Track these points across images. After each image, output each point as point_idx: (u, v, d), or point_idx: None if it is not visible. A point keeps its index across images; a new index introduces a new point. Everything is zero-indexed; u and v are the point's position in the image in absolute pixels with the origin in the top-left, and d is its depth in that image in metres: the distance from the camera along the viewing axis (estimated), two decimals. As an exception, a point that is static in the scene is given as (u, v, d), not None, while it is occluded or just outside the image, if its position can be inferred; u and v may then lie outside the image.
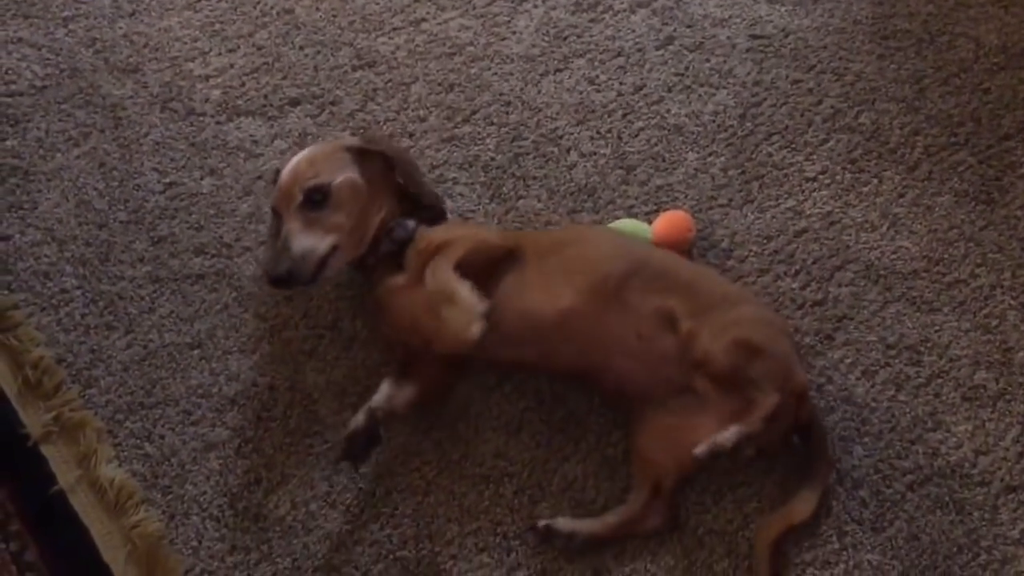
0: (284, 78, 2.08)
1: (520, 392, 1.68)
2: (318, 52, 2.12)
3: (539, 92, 2.06)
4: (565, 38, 2.15)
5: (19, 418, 1.67)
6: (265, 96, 2.05)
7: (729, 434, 1.42)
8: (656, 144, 1.98)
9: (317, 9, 2.19)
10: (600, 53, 2.12)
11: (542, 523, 1.53)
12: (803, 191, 1.92)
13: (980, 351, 1.73)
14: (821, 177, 1.94)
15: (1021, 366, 1.71)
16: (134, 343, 1.74)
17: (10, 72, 2.07)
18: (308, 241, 1.58)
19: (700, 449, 1.42)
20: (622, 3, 2.19)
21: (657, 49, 2.13)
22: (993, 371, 1.71)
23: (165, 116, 2.02)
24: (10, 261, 1.82)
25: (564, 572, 1.54)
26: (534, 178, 1.94)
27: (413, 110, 2.03)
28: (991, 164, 1.95)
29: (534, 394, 1.68)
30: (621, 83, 2.07)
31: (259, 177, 1.92)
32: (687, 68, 2.09)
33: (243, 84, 2.07)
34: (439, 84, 2.07)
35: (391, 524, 1.58)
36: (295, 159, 1.67)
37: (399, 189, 1.68)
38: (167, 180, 1.93)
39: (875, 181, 1.93)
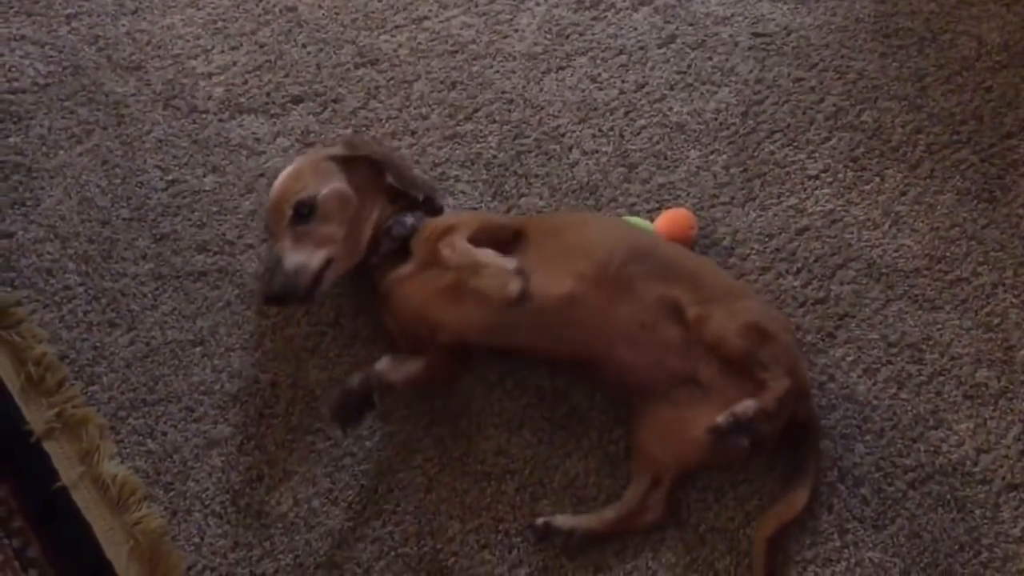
0: (286, 76, 2.08)
1: (522, 389, 1.69)
2: (320, 50, 2.12)
3: (541, 90, 2.06)
4: (567, 36, 2.15)
5: (22, 414, 1.67)
6: (267, 94, 2.05)
7: (747, 405, 1.40)
8: (658, 142, 1.98)
9: (319, 7, 2.19)
10: (602, 51, 2.12)
11: (541, 520, 1.53)
12: (805, 189, 1.92)
13: (982, 349, 1.73)
14: (823, 175, 1.94)
15: (1022, 364, 1.71)
16: (136, 340, 1.75)
17: (13, 69, 2.07)
18: (300, 257, 1.58)
19: (721, 418, 1.39)
20: (624, 1, 2.19)
21: (659, 47, 2.13)
22: (995, 369, 1.71)
23: (168, 113, 2.02)
24: (13, 258, 1.82)
25: (566, 569, 1.54)
26: (536, 176, 1.94)
27: (415, 108, 2.03)
28: (993, 162, 1.95)
29: (536, 391, 1.68)
30: (623, 81, 2.07)
31: (261, 175, 1.93)
32: (689, 66, 2.09)
33: (245, 82, 2.07)
34: (441, 82, 2.07)
35: (393, 521, 1.58)
36: (281, 175, 1.67)
37: (392, 188, 1.67)
38: (169, 177, 1.93)
39: (877, 179, 1.93)
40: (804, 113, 2.02)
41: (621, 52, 2.12)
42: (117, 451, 1.64)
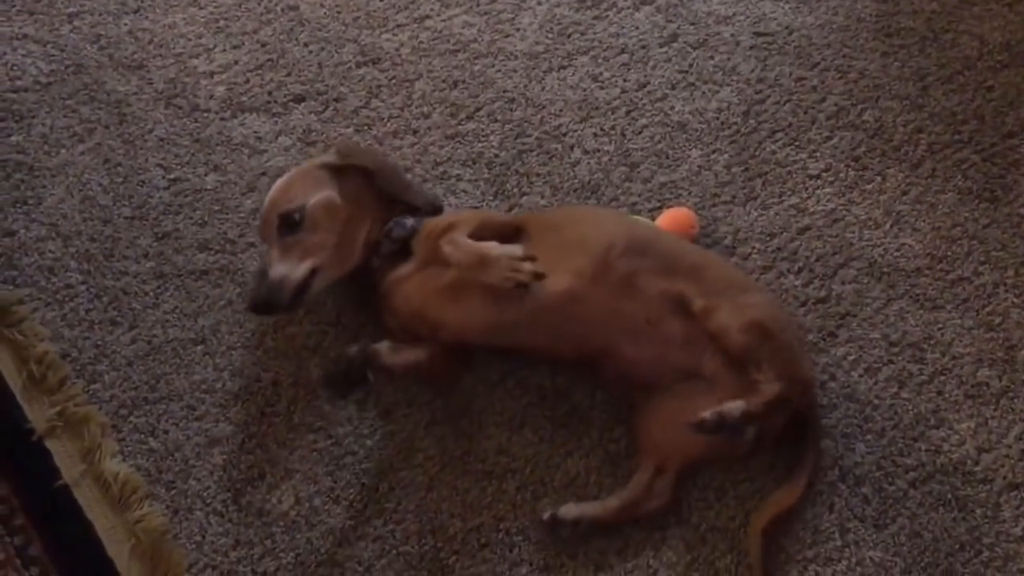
0: (288, 75, 2.08)
1: (523, 388, 1.69)
2: (322, 49, 2.13)
3: (543, 89, 2.06)
4: (569, 35, 2.15)
5: (23, 413, 1.67)
6: (269, 93, 2.05)
7: (735, 406, 1.42)
8: (660, 141, 1.98)
9: (321, 6, 2.20)
10: (604, 50, 2.12)
11: (547, 514, 1.53)
12: (806, 188, 1.92)
13: (983, 349, 1.73)
14: (824, 174, 1.94)
15: (1024, 364, 1.71)
16: (138, 338, 1.75)
17: (15, 68, 2.07)
18: (284, 268, 1.59)
19: (708, 414, 1.41)
20: (626, 0, 2.19)
21: (661, 46, 2.13)
22: (996, 369, 1.71)
23: (169, 112, 2.02)
24: (15, 256, 1.82)
25: (567, 568, 1.54)
26: (538, 175, 1.94)
27: (417, 107, 2.04)
28: (995, 162, 1.95)
29: (537, 390, 1.68)
30: (625, 80, 2.07)
31: (263, 173, 1.93)
32: (691, 65, 2.10)
33: (247, 81, 2.07)
34: (443, 81, 2.07)
35: (394, 520, 1.58)
36: (274, 186, 1.68)
37: (386, 194, 1.68)
38: (171, 176, 1.94)
39: (878, 179, 1.93)
40: (806, 112, 2.02)
41: (623, 51, 2.12)
42: (119, 449, 1.64)
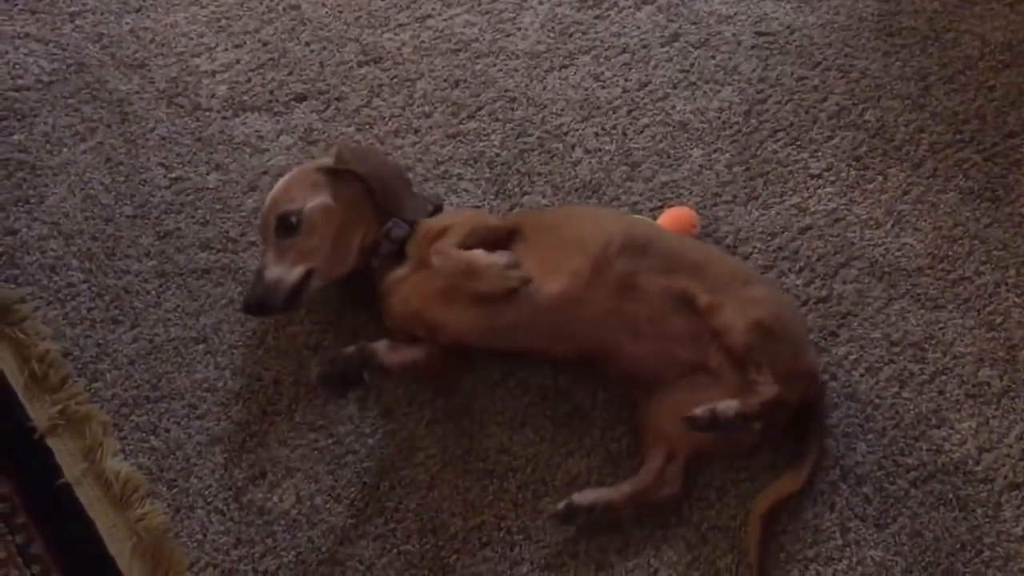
0: (290, 74, 2.09)
1: (524, 387, 1.69)
2: (324, 48, 2.13)
3: (544, 88, 2.06)
4: (570, 35, 2.15)
5: (25, 411, 1.67)
6: (271, 92, 2.06)
7: (728, 406, 1.43)
8: (661, 141, 1.98)
9: (323, 5, 2.20)
10: (605, 50, 2.12)
11: (561, 504, 1.51)
12: (808, 188, 1.92)
13: (984, 348, 1.73)
14: (826, 174, 1.94)
15: (1025, 363, 1.71)
16: (140, 337, 1.75)
17: (17, 67, 2.07)
18: (278, 271, 1.60)
19: (700, 410, 1.42)
20: (627, 0, 2.19)
21: (662, 46, 2.13)
22: (997, 368, 1.71)
23: (171, 111, 2.03)
24: (17, 255, 1.82)
25: (567, 567, 1.54)
26: (539, 174, 1.94)
27: (418, 106, 2.04)
28: (996, 161, 1.95)
29: (538, 389, 1.69)
30: (626, 80, 2.07)
31: (264, 173, 1.93)
32: (692, 65, 2.10)
33: (249, 80, 2.07)
34: (444, 80, 2.08)
35: (395, 518, 1.59)
36: (276, 185, 1.69)
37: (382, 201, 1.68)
38: (173, 175, 1.94)
39: (880, 178, 1.93)
40: (807, 112, 2.02)
41: (624, 51, 2.12)
42: (120, 448, 1.64)
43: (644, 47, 2.12)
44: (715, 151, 1.97)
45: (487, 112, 2.03)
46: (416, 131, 2.00)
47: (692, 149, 1.97)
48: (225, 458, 1.64)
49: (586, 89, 2.06)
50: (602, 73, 2.09)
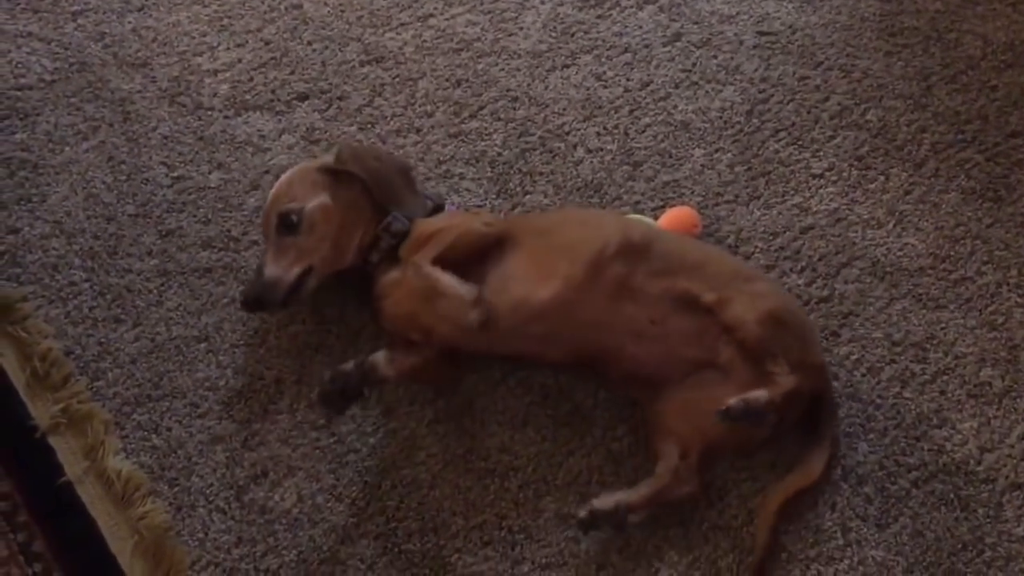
0: (292, 73, 2.09)
1: (525, 386, 1.69)
2: (326, 47, 2.13)
3: (546, 88, 2.06)
4: (572, 34, 2.15)
5: (27, 410, 1.67)
6: (273, 91, 2.06)
7: (759, 394, 1.45)
8: (663, 140, 1.98)
9: (325, 4, 2.20)
10: (607, 49, 2.12)
11: (583, 512, 1.50)
12: (809, 188, 1.92)
13: (986, 348, 1.73)
14: (827, 174, 1.94)
15: (1027, 363, 1.71)
16: (142, 336, 1.75)
17: (19, 66, 2.08)
18: (277, 269, 1.63)
19: (734, 400, 1.43)
20: (629, 0, 2.20)
21: (664, 45, 2.13)
22: (999, 368, 1.71)
23: (173, 110, 2.03)
24: (19, 254, 1.83)
25: (568, 566, 1.54)
26: (540, 174, 1.94)
27: (420, 105, 2.04)
28: (998, 161, 1.95)
29: (539, 388, 1.69)
30: (628, 79, 2.07)
31: (266, 172, 1.93)
32: (694, 64, 2.10)
33: (251, 79, 2.08)
34: (446, 80, 2.08)
35: (396, 517, 1.59)
36: (278, 181, 1.70)
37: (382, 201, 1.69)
38: (175, 174, 1.94)
39: (882, 178, 1.93)
40: (809, 112, 2.02)
41: (626, 50, 2.12)
42: (122, 446, 1.65)
43: (646, 47, 2.12)
44: (717, 151, 1.97)
45: (489, 111, 2.03)
46: (418, 130, 2.00)
47: (694, 149, 1.97)
48: (226, 457, 1.64)
49: (588, 89, 2.06)
50: (604, 73, 2.09)
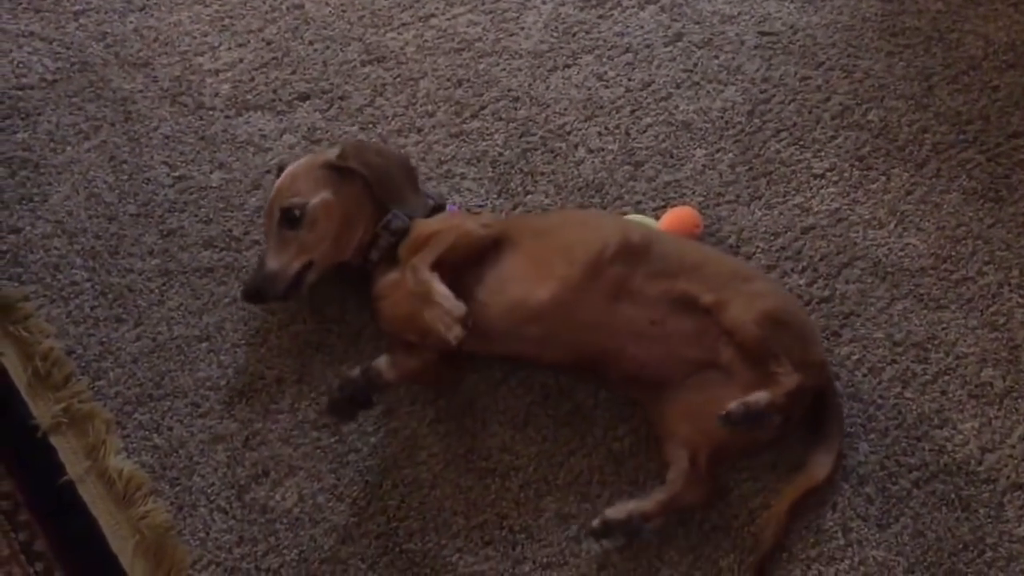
0: (293, 73, 2.09)
1: (526, 386, 1.69)
2: (327, 47, 2.13)
3: (547, 88, 2.06)
4: (574, 34, 2.15)
5: (29, 409, 1.67)
6: (274, 91, 2.06)
7: (760, 396, 1.44)
8: (664, 140, 1.98)
9: (326, 4, 2.20)
10: (608, 49, 2.12)
11: (596, 522, 1.51)
12: (811, 188, 1.92)
13: (987, 348, 1.72)
14: (829, 174, 1.94)
15: (1028, 364, 1.71)
16: (143, 335, 1.75)
17: (21, 66, 2.08)
18: (279, 262, 1.65)
19: (734, 405, 1.43)
20: (631, 0, 2.20)
21: (666, 45, 2.13)
22: (1000, 368, 1.70)
23: (175, 110, 2.03)
24: (20, 253, 1.83)
25: (569, 566, 1.54)
26: (542, 174, 1.94)
27: (421, 105, 2.04)
28: (1000, 162, 1.95)
29: (540, 388, 1.69)
30: (629, 79, 2.07)
31: (268, 171, 1.93)
32: (695, 64, 2.10)
33: (252, 79, 2.08)
34: (448, 80, 2.08)
35: (397, 517, 1.59)
36: (283, 174, 1.71)
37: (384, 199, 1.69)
38: (176, 174, 1.94)
39: (883, 178, 1.93)
40: (810, 112, 2.02)
41: (627, 50, 2.12)
42: (123, 446, 1.65)
43: (647, 47, 2.12)
44: (718, 151, 1.97)
45: (490, 111, 2.03)
46: (419, 130, 2.00)
47: (695, 149, 1.97)
48: (228, 456, 1.64)
49: (589, 89, 2.06)
50: (605, 73, 2.09)
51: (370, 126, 2.01)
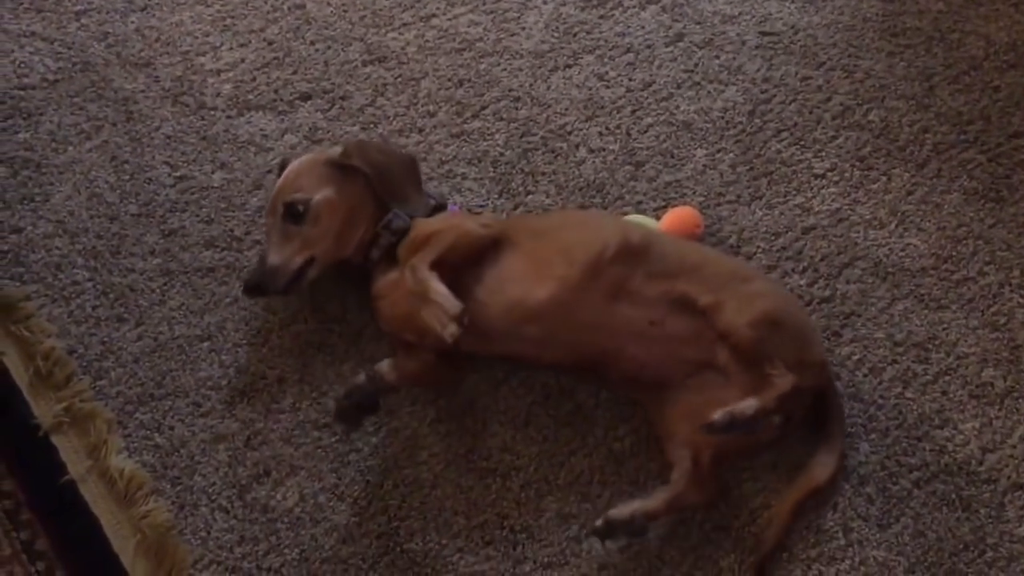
0: (294, 73, 2.09)
1: (527, 386, 1.69)
2: (328, 47, 2.13)
3: (548, 88, 2.06)
4: (575, 34, 2.15)
5: (30, 408, 1.68)
6: (275, 91, 2.06)
7: (747, 405, 1.44)
8: (665, 140, 1.98)
9: (328, 4, 2.20)
10: (609, 49, 2.12)
11: (599, 521, 1.50)
12: (812, 188, 1.92)
13: (988, 349, 1.72)
14: (830, 174, 1.94)
15: (1029, 364, 1.71)
16: (144, 335, 1.75)
17: (23, 66, 2.08)
18: (281, 257, 1.65)
19: (718, 414, 1.43)
20: (632, 0, 2.20)
21: (666, 46, 2.13)
22: (1000, 369, 1.71)
23: (176, 110, 2.03)
24: (22, 253, 1.83)
25: (569, 566, 1.55)
26: (543, 174, 1.94)
27: (423, 105, 2.04)
28: (1000, 162, 1.95)
29: (541, 388, 1.69)
30: (630, 79, 2.08)
31: (269, 171, 1.93)
32: (696, 65, 2.10)
33: (254, 79, 2.08)
34: (449, 80, 2.08)
35: (398, 517, 1.59)
36: (287, 169, 1.72)
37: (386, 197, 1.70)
38: (178, 174, 1.94)
39: (884, 178, 1.93)
40: (811, 112, 2.02)
41: (628, 50, 2.12)
42: (125, 445, 1.65)
43: (648, 47, 2.12)
44: (719, 151, 1.97)
45: (491, 111, 2.03)
46: (420, 130, 2.00)
47: (696, 149, 1.97)
48: (229, 456, 1.64)
49: (590, 89, 2.06)
50: (606, 73, 2.09)
51: (371, 126, 2.01)
